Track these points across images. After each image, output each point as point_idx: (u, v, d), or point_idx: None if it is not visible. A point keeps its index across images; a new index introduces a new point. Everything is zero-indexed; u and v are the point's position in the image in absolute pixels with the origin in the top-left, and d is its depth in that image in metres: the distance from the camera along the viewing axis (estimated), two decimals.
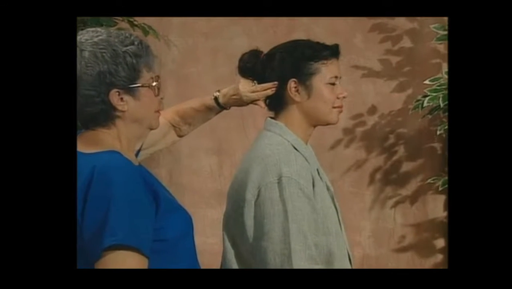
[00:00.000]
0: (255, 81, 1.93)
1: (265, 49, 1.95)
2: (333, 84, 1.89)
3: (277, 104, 1.92)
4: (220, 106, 1.98)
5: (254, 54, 1.93)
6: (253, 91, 1.92)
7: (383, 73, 3.55)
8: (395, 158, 3.60)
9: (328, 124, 1.91)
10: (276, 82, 1.89)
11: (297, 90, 1.88)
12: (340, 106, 1.90)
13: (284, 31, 3.49)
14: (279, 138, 1.87)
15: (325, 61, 1.88)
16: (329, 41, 1.94)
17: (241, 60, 1.94)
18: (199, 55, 3.58)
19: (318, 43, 1.92)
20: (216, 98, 1.98)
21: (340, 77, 1.91)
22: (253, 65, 1.92)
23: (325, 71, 1.88)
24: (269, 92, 1.90)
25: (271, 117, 1.93)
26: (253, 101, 1.95)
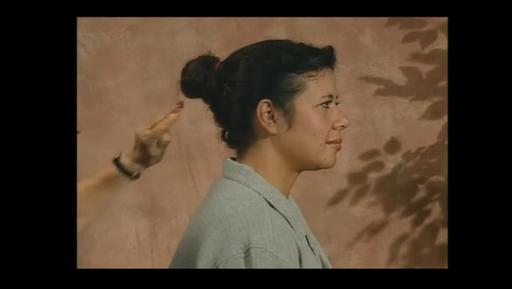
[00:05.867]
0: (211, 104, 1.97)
1: (222, 54, 1.98)
2: (327, 106, 1.93)
3: (241, 138, 1.95)
4: (125, 173, 2.10)
5: (205, 62, 1.96)
6: (151, 127, 2.05)
7: (408, 89, 3.60)
8: (427, 221, 3.65)
9: (319, 168, 1.95)
10: (181, 102, 2.00)
11: (271, 117, 1.92)
12: (338, 142, 1.94)
13: (254, 26, 3.53)
14: (245, 190, 1.91)
15: (313, 73, 1.92)
16: (321, 42, 1.97)
17: (186, 71, 1.97)
18: (122, 60, 3.61)
19: (303, 45, 1.96)
20: (116, 161, 2.10)
21: (337, 96, 1.95)
22: (204, 80, 1.95)
23: (314, 87, 1.92)
24: (173, 117, 2.02)
25: (232, 158, 1.97)
26: (166, 144, 2.07)
